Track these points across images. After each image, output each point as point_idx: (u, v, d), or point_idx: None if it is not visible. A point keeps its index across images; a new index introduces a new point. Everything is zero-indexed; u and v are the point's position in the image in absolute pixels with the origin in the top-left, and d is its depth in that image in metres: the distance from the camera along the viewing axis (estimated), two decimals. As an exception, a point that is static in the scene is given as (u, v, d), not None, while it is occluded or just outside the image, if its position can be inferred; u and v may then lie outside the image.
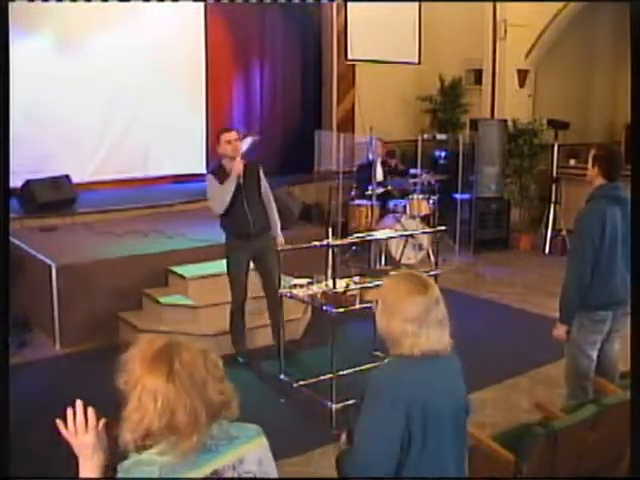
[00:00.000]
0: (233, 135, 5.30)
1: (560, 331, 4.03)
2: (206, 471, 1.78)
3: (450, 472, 2.28)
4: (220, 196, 5.24)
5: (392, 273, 5.08)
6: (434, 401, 2.21)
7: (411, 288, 2.24)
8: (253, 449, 1.87)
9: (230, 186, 5.21)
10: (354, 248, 8.17)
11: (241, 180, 5.27)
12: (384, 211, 8.49)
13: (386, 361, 2.34)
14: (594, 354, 4.05)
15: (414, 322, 2.21)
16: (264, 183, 5.48)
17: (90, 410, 1.92)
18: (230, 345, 5.79)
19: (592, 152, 4.06)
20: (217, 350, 5.59)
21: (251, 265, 5.51)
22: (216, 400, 1.80)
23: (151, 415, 1.74)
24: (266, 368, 5.44)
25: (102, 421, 1.92)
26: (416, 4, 10.32)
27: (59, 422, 1.92)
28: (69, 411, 1.91)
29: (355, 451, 2.27)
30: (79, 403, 1.92)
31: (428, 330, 2.21)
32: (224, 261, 6.44)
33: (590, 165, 4.02)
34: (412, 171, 8.73)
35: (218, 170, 5.35)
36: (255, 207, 5.36)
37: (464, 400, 2.33)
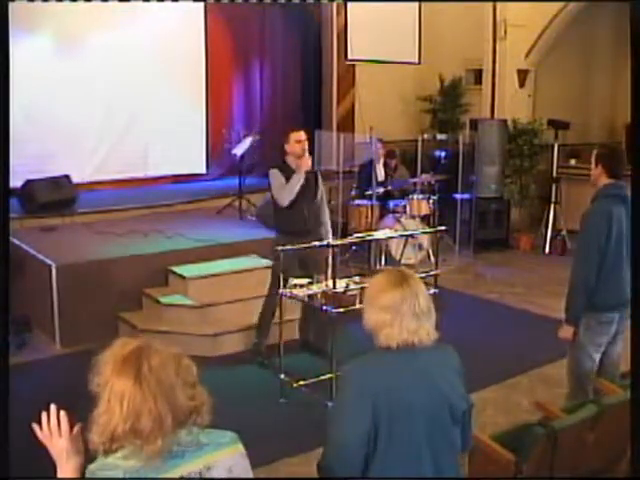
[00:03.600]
0: (302, 135, 5.45)
1: (566, 332, 3.99)
2: (171, 477, 1.76)
3: (426, 469, 2.23)
4: (289, 188, 5.36)
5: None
6: (402, 394, 2.20)
7: (388, 281, 2.30)
8: (223, 457, 1.83)
9: (298, 180, 5.36)
10: (354, 248, 8.17)
11: (303, 179, 5.40)
12: (384, 211, 8.49)
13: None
14: (597, 356, 4.02)
15: (387, 311, 2.25)
16: (321, 187, 5.65)
17: (62, 415, 1.92)
18: (227, 345, 5.80)
19: (595, 152, 4.04)
20: (216, 350, 5.58)
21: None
22: (185, 406, 1.78)
23: (117, 418, 1.73)
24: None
25: (77, 426, 1.92)
26: (416, 4, 10.32)
27: (35, 426, 1.92)
28: (43, 415, 1.92)
29: (327, 441, 2.31)
30: (53, 408, 1.92)
31: (402, 321, 2.23)
32: (224, 261, 6.49)
33: (593, 165, 3.99)
34: (411, 180, 8.76)
35: (283, 166, 5.47)
36: (311, 207, 5.50)
37: (451, 396, 2.27)
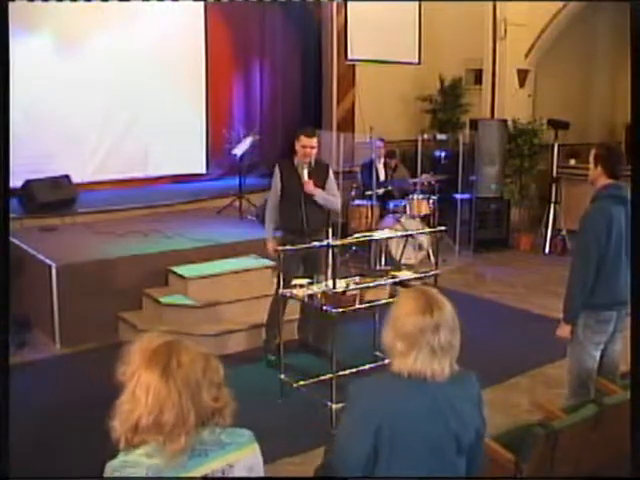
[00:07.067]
0: (310, 142, 5.37)
1: (564, 331, 4.02)
2: (194, 475, 1.77)
3: None
4: (270, 209, 5.54)
5: (394, 272, 5.09)
6: (406, 424, 2.15)
7: (415, 307, 2.17)
8: (244, 456, 1.86)
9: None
10: (354, 248, 8.17)
11: (306, 177, 5.38)
12: (384, 211, 8.49)
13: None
14: (597, 354, 4.04)
15: (404, 340, 2.15)
16: (330, 183, 5.56)
17: None
18: (227, 345, 5.80)
19: (593, 152, 4.04)
20: (216, 350, 5.58)
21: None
22: (208, 406, 1.80)
23: (141, 408, 1.74)
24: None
25: None
26: (416, 4, 10.32)
27: None
28: None
29: (327, 459, 2.33)
30: None
31: (418, 353, 2.14)
32: (224, 261, 6.49)
33: (592, 165, 4.00)
34: (411, 180, 8.77)
35: (287, 164, 5.50)
36: (312, 206, 5.44)
37: (459, 430, 2.20)
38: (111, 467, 1.77)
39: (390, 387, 2.21)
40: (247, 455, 1.86)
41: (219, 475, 1.80)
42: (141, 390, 1.75)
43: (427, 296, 2.22)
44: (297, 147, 5.41)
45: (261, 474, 1.90)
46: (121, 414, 1.77)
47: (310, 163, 5.41)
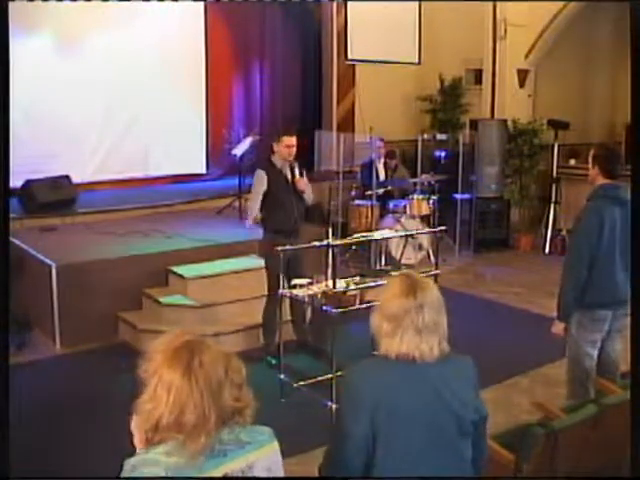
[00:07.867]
0: (294, 141, 5.43)
1: (558, 328, 4.08)
2: (213, 475, 1.76)
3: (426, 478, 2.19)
4: (251, 207, 5.54)
5: (393, 273, 5.09)
6: (402, 406, 2.16)
7: (399, 288, 2.24)
8: (264, 455, 1.85)
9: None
10: (354, 248, 8.17)
11: (289, 176, 5.42)
12: (384, 211, 8.50)
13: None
14: (595, 353, 4.07)
15: (390, 321, 2.20)
16: (305, 177, 5.61)
17: None
18: (227, 345, 5.79)
19: (592, 152, 4.07)
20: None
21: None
22: (229, 406, 1.79)
23: (162, 407, 1.74)
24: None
25: None
26: (416, 4, 10.32)
27: None
28: None
29: (328, 448, 2.33)
30: None
31: (403, 333, 2.18)
32: (224, 261, 6.49)
33: (590, 165, 4.03)
34: (411, 180, 8.78)
35: (268, 166, 5.49)
36: (299, 204, 5.51)
37: (459, 408, 2.22)
38: (130, 464, 1.76)
39: (381, 370, 2.24)
40: (266, 454, 1.86)
41: (238, 475, 1.79)
42: (162, 389, 1.75)
43: (411, 279, 2.28)
44: (279, 148, 5.43)
45: (280, 473, 1.90)
46: (142, 413, 1.77)
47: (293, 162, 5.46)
